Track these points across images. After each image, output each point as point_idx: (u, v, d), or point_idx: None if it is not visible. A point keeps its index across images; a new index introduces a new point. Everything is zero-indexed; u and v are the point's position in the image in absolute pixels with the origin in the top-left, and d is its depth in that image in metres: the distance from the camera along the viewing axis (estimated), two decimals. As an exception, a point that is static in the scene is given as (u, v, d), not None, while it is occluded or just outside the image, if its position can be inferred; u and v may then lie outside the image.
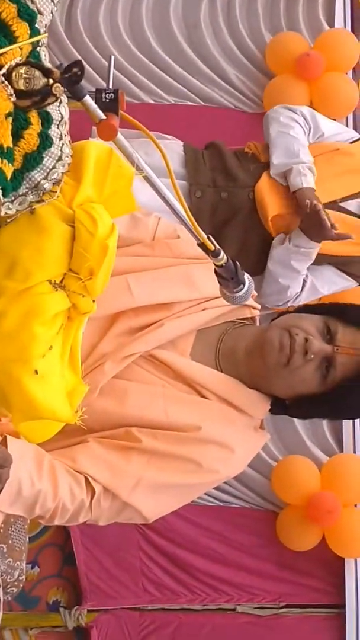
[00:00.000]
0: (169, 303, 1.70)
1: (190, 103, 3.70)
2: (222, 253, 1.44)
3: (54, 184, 1.31)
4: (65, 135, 1.31)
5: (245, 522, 3.52)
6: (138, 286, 1.69)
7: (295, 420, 3.42)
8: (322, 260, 2.85)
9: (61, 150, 1.30)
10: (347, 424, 3.51)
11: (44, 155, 1.29)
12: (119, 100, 1.32)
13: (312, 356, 1.65)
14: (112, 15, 3.69)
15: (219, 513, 3.51)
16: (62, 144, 1.30)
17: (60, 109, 1.30)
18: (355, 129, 3.47)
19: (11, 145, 1.26)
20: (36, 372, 1.38)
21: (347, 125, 3.53)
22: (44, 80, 1.20)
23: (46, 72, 1.20)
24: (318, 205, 2.64)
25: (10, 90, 1.22)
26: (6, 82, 1.22)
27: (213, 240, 1.43)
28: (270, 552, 3.50)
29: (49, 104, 1.22)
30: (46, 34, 1.26)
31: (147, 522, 1.69)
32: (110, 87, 1.33)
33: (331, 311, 1.73)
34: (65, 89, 1.23)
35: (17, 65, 1.22)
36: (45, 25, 1.27)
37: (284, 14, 3.71)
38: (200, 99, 3.69)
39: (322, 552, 3.42)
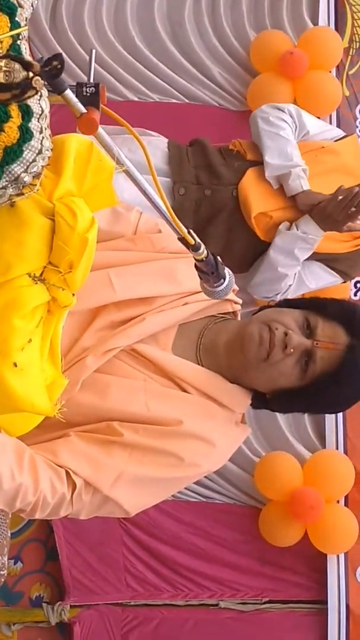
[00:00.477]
0: (151, 297, 1.70)
1: (174, 101, 3.70)
2: (203, 247, 1.45)
3: (34, 177, 1.31)
4: (46, 129, 1.31)
5: (228, 518, 3.53)
6: (120, 280, 1.69)
7: (278, 416, 3.44)
8: (310, 256, 2.87)
9: (41, 143, 1.30)
10: (329, 420, 3.52)
11: (24, 149, 1.29)
12: (100, 94, 1.33)
13: (292, 350, 1.66)
14: (96, 13, 3.69)
15: (202, 509, 3.52)
16: (43, 137, 1.30)
17: (40, 103, 1.29)
18: (338, 126, 3.48)
19: (-9, 138, 1.26)
20: (15, 364, 1.38)
21: (330, 123, 3.54)
22: (24, 73, 1.20)
23: (26, 65, 1.20)
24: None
25: (-10, 83, 1.22)
26: (-14, 75, 1.22)
27: (193, 235, 1.44)
28: (253, 547, 3.51)
29: (29, 97, 1.22)
30: (26, 27, 1.26)
31: (129, 516, 1.69)
32: (92, 81, 1.34)
33: (311, 306, 1.73)
34: (46, 82, 1.23)
35: (-3, 58, 1.22)
36: (26, 18, 1.27)
37: (268, 12, 3.72)
38: (184, 96, 3.70)
39: (304, 548, 3.44)
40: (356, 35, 3.71)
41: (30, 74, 1.21)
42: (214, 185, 2.88)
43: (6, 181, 1.30)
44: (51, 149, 1.33)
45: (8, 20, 1.25)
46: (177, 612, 3.51)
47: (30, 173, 1.30)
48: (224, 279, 1.52)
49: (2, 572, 2.15)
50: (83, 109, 1.30)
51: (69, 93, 1.28)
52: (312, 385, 1.68)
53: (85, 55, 3.59)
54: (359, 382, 1.71)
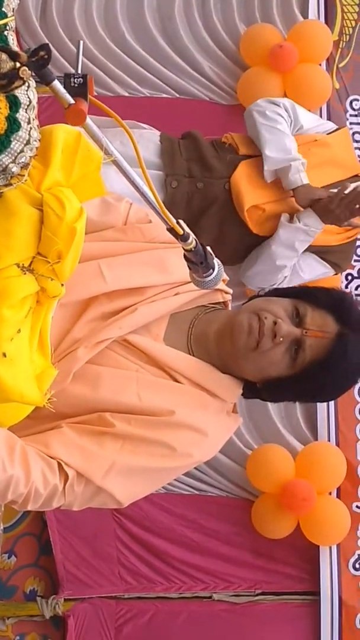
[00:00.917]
0: (142, 288, 1.70)
1: (164, 95, 3.70)
2: (191, 237, 1.45)
3: (22, 167, 1.31)
4: (34, 119, 1.31)
5: (221, 510, 3.53)
6: (110, 271, 1.68)
7: (270, 409, 3.45)
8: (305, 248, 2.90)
9: (29, 134, 1.31)
10: (321, 412, 3.53)
11: (11, 139, 1.29)
12: (88, 85, 1.33)
13: (281, 339, 1.66)
14: (86, 8, 3.68)
15: (194, 502, 3.53)
16: (30, 128, 1.30)
17: (28, 93, 1.30)
18: (329, 119, 3.48)
19: (-21, 129, 1.27)
20: (4, 355, 1.39)
21: (321, 116, 3.55)
22: (11, 63, 1.20)
23: (13, 56, 1.21)
24: None
25: (-23, 73, 1.23)
26: (-27, 66, 1.22)
27: (183, 225, 1.44)
28: (246, 540, 3.52)
29: (16, 87, 1.23)
30: (13, 17, 1.26)
31: (121, 507, 1.69)
32: (79, 72, 1.34)
33: (300, 295, 1.74)
34: (33, 73, 1.23)
35: (-16, 48, 1.23)
36: (13, 9, 1.27)
37: (258, 5, 3.72)
38: (174, 91, 3.70)
39: (297, 540, 3.44)
40: (346, 29, 3.72)
41: (18, 65, 1.22)
42: (206, 178, 2.88)
43: (-6, 172, 1.30)
44: (39, 140, 1.34)
45: (-5, 11, 1.25)
46: (171, 604, 3.51)
47: (18, 164, 1.31)
48: (213, 269, 1.52)
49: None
50: (71, 100, 1.30)
51: (56, 84, 1.29)
52: (302, 374, 1.69)
53: (75, 50, 3.58)
54: (349, 370, 1.71)
